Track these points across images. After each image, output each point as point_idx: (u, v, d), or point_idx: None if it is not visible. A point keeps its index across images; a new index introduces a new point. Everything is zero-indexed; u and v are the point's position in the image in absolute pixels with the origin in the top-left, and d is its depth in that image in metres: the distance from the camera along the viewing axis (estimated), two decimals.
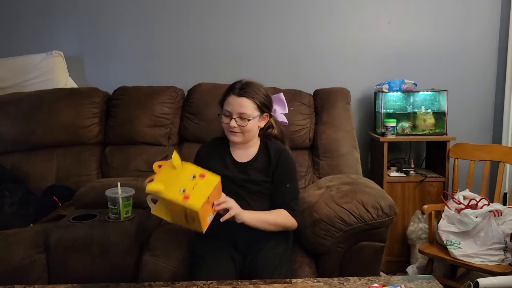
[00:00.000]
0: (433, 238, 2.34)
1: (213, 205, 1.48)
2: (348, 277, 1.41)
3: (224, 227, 1.63)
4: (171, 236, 1.84)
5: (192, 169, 1.46)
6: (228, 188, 1.64)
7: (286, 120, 1.80)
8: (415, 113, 2.73)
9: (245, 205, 1.62)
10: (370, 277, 1.40)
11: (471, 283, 1.51)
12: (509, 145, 2.73)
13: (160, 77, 2.88)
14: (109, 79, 2.89)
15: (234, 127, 1.60)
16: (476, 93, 2.92)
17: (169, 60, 2.95)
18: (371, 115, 2.92)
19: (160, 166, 1.45)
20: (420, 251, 2.31)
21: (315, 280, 1.39)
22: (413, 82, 2.70)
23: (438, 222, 2.31)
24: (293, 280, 1.40)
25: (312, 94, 2.62)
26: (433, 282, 1.37)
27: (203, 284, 1.38)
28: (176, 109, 2.63)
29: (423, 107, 2.74)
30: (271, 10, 2.90)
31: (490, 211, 2.14)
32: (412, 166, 2.75)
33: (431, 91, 2.74)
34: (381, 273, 2.45)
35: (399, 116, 2.72)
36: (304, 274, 1.67)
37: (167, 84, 2.71)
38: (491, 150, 2.50)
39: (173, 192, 1.38)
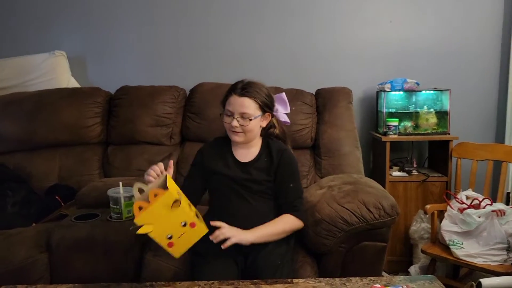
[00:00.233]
0: (436, 238, 2.34)
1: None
2: (350, 277, 1.40)
3: None
4: None
5: (184, 214, 1.37)
6: (230, 187, 1.64)
7: (288, 120, 1.80)
8: (418, 112, 2.72)
9: (246, 205, 1.62)
10: (372, 277, 1.40)
11: (474, 283, 1.51)
12: None
13: (162, 77, 2.89)
14: (111, 79, 2.90)
15: (236, 126, 1.60)
16: (478, 93, 2.91)
17: (171, 59, 2.95)
18: (373, 115, 2.92)
19: (155, 195, 1.34)
20: (422, 251, 2.30)
21: (316, 281, 1.39)
22: (415, 81, 2.69)
23: (440, 222, 2.31)
24: (295, 280, 1.39)
25: (314, 93, 2.61)
26: (435, 283, 1.36)
27: (205, 284, 1.38)
28: (178, 109, 2.63)
29: (425, 106, 2.73)
30: (273, 10, 2.90)
31: (493, 211, 2.13)
32: (415, 165, 2.74)
33: (433, 90, 2.73)
34: (383, 273, 2.45)
35: (401, 115, 2.71)
36: (306, 274, 1.67)
37: (169, 83, 2.72)
38: (494, 150, 2.49)
39: (160, 236, 1.36)
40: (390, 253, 2.58)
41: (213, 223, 1.49)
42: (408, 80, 2.68)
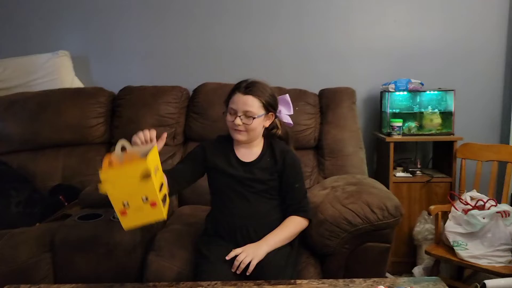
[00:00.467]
0: (440, 239, 2.32)
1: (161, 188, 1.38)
2: (353, 279, 1.40)
3: (226, 229, 1.64)
4: (176, 236, 1.84)
5: (149, 189, 1.30)
6: (232, 187, 1.64)
7: (291, 122, 1.79)
8: (422, 113, 2.71)
9: (248, 205, 1.62)
10: (375, 279, 1.39)
11: (478, 285, 1.50)
12: None
13: (165, 77, 2.89)
14: (115, 79, 2.90)
15: (239, 125, 1.59)
16: (483, 93, 2.89)
17: (174, 59, 2.95)
18: (377, 115, 2.91)
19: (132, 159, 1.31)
20: (426, 252, 2.29)
21: (320, 282, 1.39)
22: (419, 81, 2.68)
23: (444, 223, 2.30)
24: (298, 282, 1.39)
25: (317, 93, 2.61)
26: (439, 284, 1.35)
27: (208, 285, 1.37)
28: (181, 109, 2.63)
29: (429, 107, 2.72)
30: (276, 10, 2.90)
31: (497, 212, 2.12)
32: (419, 166, 2.73)
33: (438, 90, 2.72)
34: (387, 274, 2.44)
35: (406, 116, 2.70)
36: (309, 275, 1.66)
37: (172, 83, 2.71)
38: (498, 150, 2.47)
39: (116, 199, 1.30)
40: (393, 254, 2.57)
41: (228, 257, 1.54)
42: (412, 80, 2.67)
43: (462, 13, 2.85)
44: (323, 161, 2.43)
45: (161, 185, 1.40)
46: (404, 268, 2.63)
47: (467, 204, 2.25)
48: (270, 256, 1.57)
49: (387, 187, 2.32)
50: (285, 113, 1.78)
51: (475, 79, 2.88)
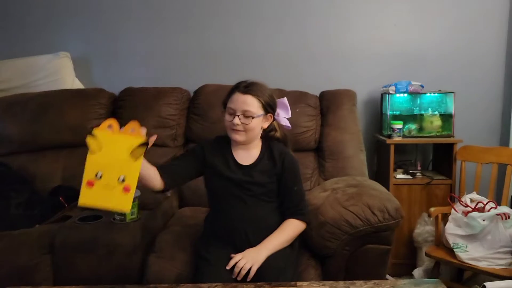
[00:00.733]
0: (440, 241, 2.33)
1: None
2: (354, 281, 1.40)
3: (224, 232, 1.64)
4: (177, 238, 1.84)
5: (132, 171, 1.26)
6: (229, 190, 1.63)
7: (289, 124, 1.79)
8: (422, 115, 2.71)
9: (247, 208, 1.62)
10: (376, 281, 1.39)
11: (478, 287, 1.50)
12: None
13: (166, 78, 2.89)
14: (116, 80, 2.90)
15: (238, 124, 1.58)
16: (483, 95, 2.90)
17: (175, 61, 2.96)
18: (378, 117, 2.91)
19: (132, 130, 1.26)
20: (426, 254, 2.29)
21: (320, 284, 1.39)
22: (420, 84, 2.69)
23: (444, 225, 2.30)
24: (299, 283, 1.39)
25: (318, 95, 2.61)
26: (439, 286, 1.36)
27: (208, 287, 1.37)
28: (182, 110, 2.63)
29: (430, 109, 2.72)
30: (277, 13, 2.90)
31: (497, 214, 2.12)
32: (419, 168, 2.74)
33: (438, 93, 2.72)
34: (387, 276, 2.44)
35: (406, 118, 2.71)
36: (310, 277, 1.67)
37: (173, 85, 2.72)
38: (498, 153, 2.47)
39: (92, 166, 1.23)
40: (394, 256, 2.57)
41: (228, 266, 1.52)
42: (413, 82, 2.68)
43: (462, 16, 2.85)
44: (323, 163, 2.43)
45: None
46: (404, 270, 2.62)
47: (467, 206, 2.25)
48: (270, 257, 1.57)
49: (388, 189, 2.32)
50: (283, 116, 1.78)
51: (475, 82, 2.88)
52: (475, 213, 2.15)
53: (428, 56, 2.88)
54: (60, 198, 2.30)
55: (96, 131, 1.24)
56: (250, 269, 1.50)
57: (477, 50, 2.87)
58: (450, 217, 2.28)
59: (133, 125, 1.28)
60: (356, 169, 2.36)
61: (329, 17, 2.89)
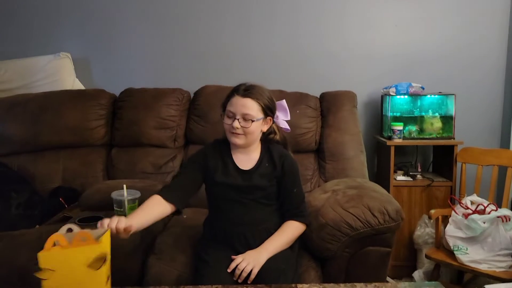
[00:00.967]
0: (440, 243, 2.32)
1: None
2: (355, 283, 1.39)
3: (224, 235, 1.63)
4: (176, 239, 1.83)
5: (99, 280, 1.15)
6: (229, 194, 1.62)
7: (288, 127, 1.78)
8: (422, 116, 2.71)
9: (246, 211, 1.61)
10: (376, 283, 1.39)
11: None
12: None
13: (166, 79, 2.89)
14: (116, 81, 2.90)
15: (237, 128, 1.57)
16: (484, 97, 2.90)
17: (175, 62, 2.96)
18: (378, 119, 2.91)
19: (84, 239, 1.14)
20: (427, 256, 2.29)
21: (321, 286, 1.38)
22: (420, 85, 2.69)
23: (445, 227, 2.29)
24: (299, 285, 1.38)
25: (318, 97, 2.61)
26: None
27: None
28: (182, 111, 2.63)
29: (430, 110, 2.72)
30: (278, 13, 2.90)
31: (498, 217, 2.11)
32: (419, 170, 2.73)
33: (438, 94, 2.72)
34: (387, 278, 2.44)
35: (406, 119, 2.71)
36: (310, 278, 1.66)
37: (174, 86, 2.71)
38: (499, 155, 2.47)
39: None
40: (394, 258, 2.57)
41: (229, 269, 1.52)
42: (413, 84, 2.68)
43: (463, 18, 2.85)
44: (324, 164, 2.43)
45: (108, 278, 1.23)
46: (405, 272, 2.62)
47: (468, 208, 2.25)
48: (271, 259, 1.56)
49: (388, 190, 2.32)
50: (283, 118, 1.77)
51: (475, 83, 2.88)
52: (475, 216, 2.15)
53: (428, 58, 2.88)
54: (60, 199, 2.30)
55: (41, 257, 1.08)
56: (251, 271, 1.50)
57: (478, 52, 2.87)
58: (450, 219, 2.28)
59: (82, 234, 1.16)
60: (357, 170, 2.36)
61: (330, 18, 2.89)
